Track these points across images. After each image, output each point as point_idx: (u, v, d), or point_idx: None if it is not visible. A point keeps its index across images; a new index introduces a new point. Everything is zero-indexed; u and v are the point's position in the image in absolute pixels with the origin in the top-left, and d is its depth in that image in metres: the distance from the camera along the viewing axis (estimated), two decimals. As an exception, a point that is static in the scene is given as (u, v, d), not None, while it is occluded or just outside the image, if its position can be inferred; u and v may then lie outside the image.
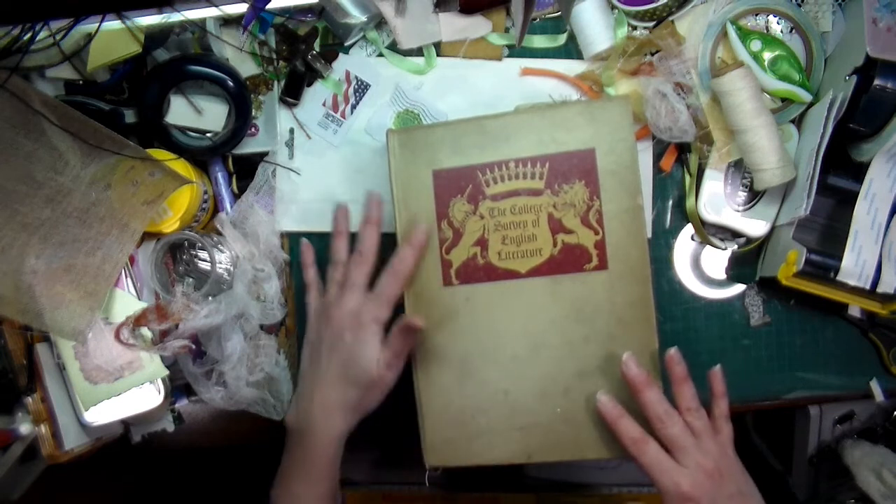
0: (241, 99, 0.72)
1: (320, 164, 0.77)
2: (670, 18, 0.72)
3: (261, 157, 0.76)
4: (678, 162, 0.76)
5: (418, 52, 0.76)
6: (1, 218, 0.65)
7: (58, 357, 0.71)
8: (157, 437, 0.79)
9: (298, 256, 0.76)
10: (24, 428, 0.70)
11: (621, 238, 0.62)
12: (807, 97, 0.70)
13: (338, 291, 0.67)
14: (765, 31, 0.71)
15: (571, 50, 0.75)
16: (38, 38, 0.66)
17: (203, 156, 0.75)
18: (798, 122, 0.72)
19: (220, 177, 0.77)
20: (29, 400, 0.70)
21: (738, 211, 0.73)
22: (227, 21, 0.73)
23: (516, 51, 0.75)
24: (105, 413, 0.70)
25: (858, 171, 0.67)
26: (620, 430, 0.59)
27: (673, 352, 0.61)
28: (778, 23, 0.71)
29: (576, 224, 0.63)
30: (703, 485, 0.57)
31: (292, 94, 0.75)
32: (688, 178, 0.75)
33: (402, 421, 0.71)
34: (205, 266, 0.74)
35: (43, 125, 0.65)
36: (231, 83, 0.71)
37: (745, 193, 0.73)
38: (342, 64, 0.76)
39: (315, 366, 0.67)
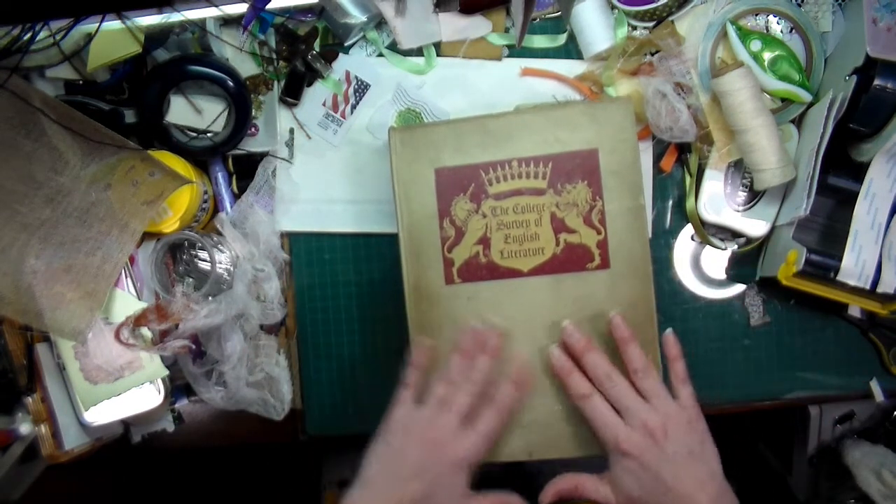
0: (241, 99, 0.72)
1: (320, 164, 0.77)
2: (670, 18, 0.72)
3: (261, 157, 0.76)
4: (678, 162, 0.76)
5: (418, 52, 0.76)
6: (1, 218, 0.65)
7: (58, 357, 0.70)
8: (157, 437, 0.79)
9: (299, 256, 0.76)
10: (24, 428, 0.70)
11: (623, 238, 0.62)
12: (807, 97, 0.70)
13: (437, 411, 0.59)
14: (765, 31, 0.71)
15: (571, 50, 0.75)
16: (38, 38, 0.66)
17: (203, 156, 0.75)
18: (798, 122, 0.72)
19: (220, 177, 0.77)
20: (29, 400, 0.70)
21: (738, 211, 0.73)
22: (227, 21, 0.73)
23: (516, 51, 0.75)
24: (105, 413, 0.70)
25: (858, 171, 0.67)
26: (569, 384, 0.60)
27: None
28: (778, 23, 0.71)
29: (578, 223, 0.63)
30: (639, 443, 0.56)
31: (292, 94, 0.75)
32: (688, 178, 0.75)
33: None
34: (205, 266, 0.74)
35: (43, 125, 0.65)
36: (231, 83, 0.71)
37: (745, 193, 0.73)
38: (342, 64, 0.76)
39: (391, 479, 0.57)
